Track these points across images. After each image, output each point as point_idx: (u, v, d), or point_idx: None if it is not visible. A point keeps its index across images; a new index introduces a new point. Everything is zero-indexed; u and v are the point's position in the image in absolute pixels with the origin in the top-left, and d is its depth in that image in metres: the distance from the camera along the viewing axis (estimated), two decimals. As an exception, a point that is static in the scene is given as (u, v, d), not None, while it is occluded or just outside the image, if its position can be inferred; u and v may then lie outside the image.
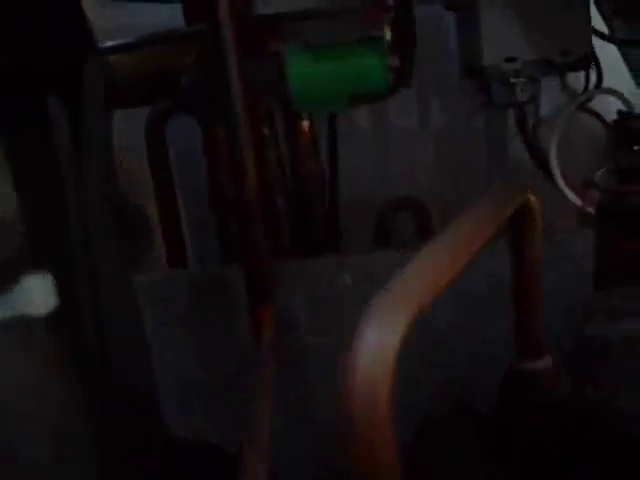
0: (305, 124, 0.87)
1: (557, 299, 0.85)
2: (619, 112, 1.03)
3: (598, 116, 1.04)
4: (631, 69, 1.07)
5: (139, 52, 0.84)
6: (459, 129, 1.14)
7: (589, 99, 1.02)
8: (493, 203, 0.53)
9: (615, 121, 1.02)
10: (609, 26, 1.06)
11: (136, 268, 1.00)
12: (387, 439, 0.32)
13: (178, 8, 0.99)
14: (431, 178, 1.14)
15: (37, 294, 0.41)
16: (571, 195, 0.93)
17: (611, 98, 1.02)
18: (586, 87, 1.04)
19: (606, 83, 1.05)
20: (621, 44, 1.03)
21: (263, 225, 0.75)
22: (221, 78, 0.70)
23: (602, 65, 1.04)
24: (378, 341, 0.34)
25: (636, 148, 1.00)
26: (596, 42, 1.03)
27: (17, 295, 0.41)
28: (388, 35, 0.78)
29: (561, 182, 0.93)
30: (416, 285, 0.38)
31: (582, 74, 1.04)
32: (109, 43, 0.85)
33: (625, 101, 1.01)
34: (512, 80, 0.95)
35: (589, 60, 0.96)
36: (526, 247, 0.59)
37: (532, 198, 0.57)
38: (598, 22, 1.04)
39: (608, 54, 1.06)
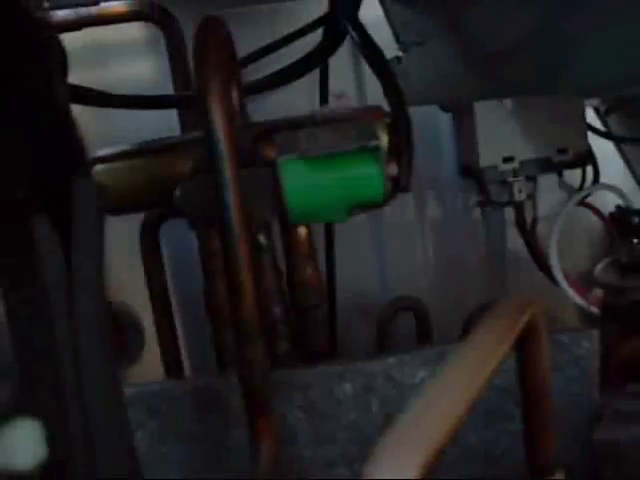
0: (302, 232, 0.86)
1: (563, 405, 0.86)
2: (617, 207, 1.03)
3: (597, 211, 1.04)
4: (629, 165, 1.08)
5: (134, 160, 0.84)
6: (456, 227, 1.15)
7: (587, 195, 1.02)
8: (502, 323, 0.52)
9: (612, 214, 1.03)
10: (604, 123, 1.07)
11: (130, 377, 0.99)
12: None
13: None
14: (429, 277, 1.14)
15: (24, 444, 0.39)
16: (575, 296, 0.92)
17: (609, 193, 1.03)
18: (582, 183, 1.05)
19: (602, 178, 1.06)
20: (617, 140, 1.04)
21: (261, 341, 0.73)
22: (217, 188, 0.69)
23: (599, 160, 1.06)
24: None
25: (635, 242, 1.01)
26: (591, 137, 1.04)
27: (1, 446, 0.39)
28: (385, 142, 0.77)
29: (563, 282, 0.92)
30: (428, 426, 0.36)
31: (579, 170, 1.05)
32: (104, 150, 0.85)
33: (623, 196, 1.01)
34: (509, 180, 0.96)
35: (586, 157, 0.97)
36: (534, 364, 0.57)
37: (538, 312, 0.54)
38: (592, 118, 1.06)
39: (604, 149, 1.08)
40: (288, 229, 0.86)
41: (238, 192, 0.70)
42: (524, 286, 1.08)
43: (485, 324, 0.51)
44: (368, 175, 0.75)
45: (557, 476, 0.64)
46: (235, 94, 0.84)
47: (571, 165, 0.97)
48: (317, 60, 0.96)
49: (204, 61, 0.70)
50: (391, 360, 0.85)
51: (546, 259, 0.96)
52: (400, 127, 0.80)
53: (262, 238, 0.85)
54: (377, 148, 0.74)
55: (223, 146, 0.69)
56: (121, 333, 1.06)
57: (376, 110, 0.82)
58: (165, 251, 0.97)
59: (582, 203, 1.04)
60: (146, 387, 0.86)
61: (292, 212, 0.77)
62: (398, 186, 0.80)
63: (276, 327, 0.87)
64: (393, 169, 0.76)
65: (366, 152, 0.74)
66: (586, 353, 0.88)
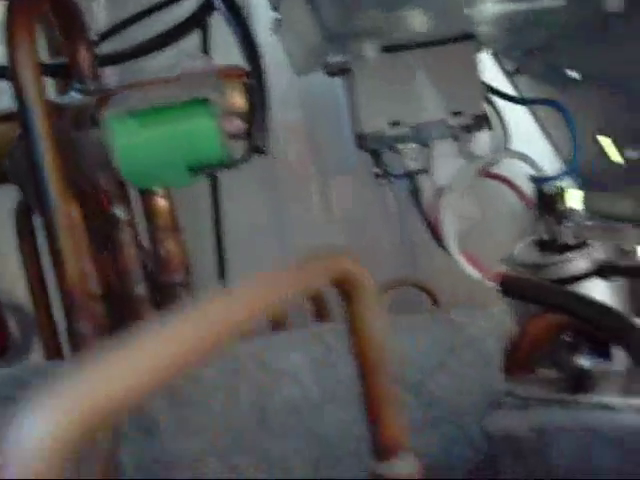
0: (161, 203, 0.82)
1: (462, 389, 0.82)
2: (531, 177, 0.99)
3: (507, 182, 1.00)
4: (544, 131, 1.04)
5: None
6: (367, 203, 1.13)
7: (493, 163, 0.98)
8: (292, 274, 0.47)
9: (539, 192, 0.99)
10: (514, 85, 1.03)
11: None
12: None
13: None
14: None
15: None
16: (468, 268, 0.87)
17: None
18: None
19: (518, 147, 1.02)
20: (525, 103, 1.00)
21: (89, 312, 0.70)
22: (33, 161, 0.68)
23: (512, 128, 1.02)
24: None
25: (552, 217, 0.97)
26: (505, 103, 1.01)
27: None
28: (228, 96, 0.74)
29: (458, 257, 0.88)
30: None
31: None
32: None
33: (532, 164, 0.96)
34: (400, 147, 0.91)
35: (484, 121, 0.92)
36: (364, 333, 0.53)
37: (355, 271, 0.50)
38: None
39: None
40: (146, 200, 0.82)
41: (52, 150, 0.68)
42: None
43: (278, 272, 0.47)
44: (200, 128, 0.71)
45: (405, 459, 0.60)
46: (87, 59, 0.83)
47: (469, 129, 0.92)
48: (190, 26, 0.94)
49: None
50: (258, 342, 0.82)
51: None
52: (255, 89, 0.77)
53: (118, 211, 0.82)
54: (208, 101, 0.70)
55: (31, 103, 0.68)
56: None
57: (231, 69, 0.79)
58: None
59: (491, 175, 1.00)
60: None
61: (126, 173, 0.73)
62: (251, 146, 0.76)
63: (140, 307, 0.83)
64: (233, 125, 0.72)
65: (197, 105, 0.71)
66: (482, 333, 0.85)
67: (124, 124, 0.72)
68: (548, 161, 1.02)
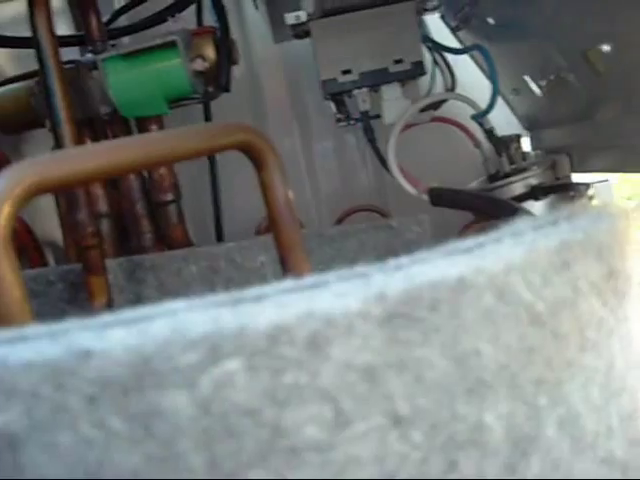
0: (154, 130, 1.07)
1: None
2: (472, 117, 1.20)
3: (454, 123, 1.22)
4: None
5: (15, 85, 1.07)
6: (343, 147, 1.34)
7: (437, 106, 1.20)
8: (203, 130, 0.68)
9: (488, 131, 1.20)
10: (457, 38, 1.25)
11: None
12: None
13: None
14: (312, 196, 1.34)
15: None
16: (407, 186, 1.09)
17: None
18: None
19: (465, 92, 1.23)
20: (457, 52, 1.21)
21: (86, 208, 0.93)
22: (46, 90, 0.91)
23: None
24: None
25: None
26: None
27: None
28: (196, 43, 0.99)
29: (398, 174, 1.10)
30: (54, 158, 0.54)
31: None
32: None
33: (474, 105, 1.18)
34: (354, 92, 1.14)
35: (422, 68, 1.14)
36: (269, 185, 0.69)
37: (258, 139, 0.67)
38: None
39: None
40: (141, 129, 1.07)
41: (61, 87, 0.91)
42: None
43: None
44: (169, 65, 0.96)
45: None
46: (96, 26, 1.07)
47: (410, 75, 1.14)
48: (187, 2, 1.17)
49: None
50: (232, 245, 1.03)
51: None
52: (221, 41, 1.01)
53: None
54: (176, 44, 0.94)
55: (47, 49, 0.91)
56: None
57: (204, 28, 1.04)
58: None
59: (442, 119, 1.22)
60: (25, 273, 1.06)
61: (118, 104, 0.98)
62: (214, 84, 1.00)
63: (140, 222, 1.07)
64: (199, 64, 0.96)
65: (168, 48, 0.95)
66: (417, 237, 1.04)
67: (115, 65, 0.96)
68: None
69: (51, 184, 0.47)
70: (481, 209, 0.95)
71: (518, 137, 1.27)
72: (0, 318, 0.44)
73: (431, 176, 1.16)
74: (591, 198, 0.98)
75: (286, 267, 0.69)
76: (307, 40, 1.16)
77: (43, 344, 0.31)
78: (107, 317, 0.32)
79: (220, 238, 1.25)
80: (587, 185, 1.04)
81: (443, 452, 0.36)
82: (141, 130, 1.06)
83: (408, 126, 1.16)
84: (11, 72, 1.16)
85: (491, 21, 1.09)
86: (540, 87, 1.11)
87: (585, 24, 0.74)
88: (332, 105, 1.20)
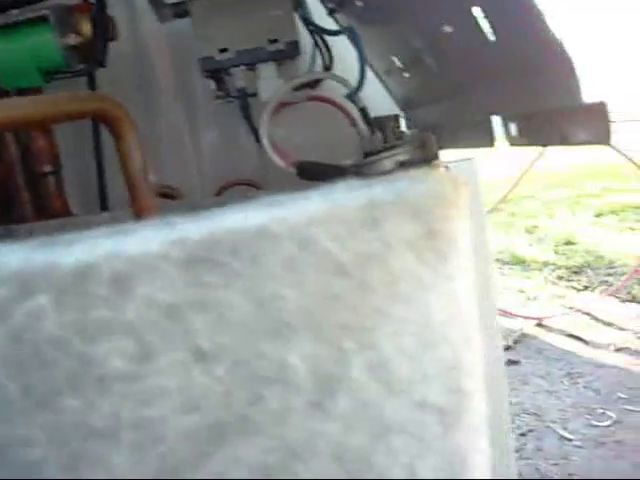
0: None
1: None
2: (345, 96, 1.25)
3: (329, 101, 1.26)
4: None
5: None
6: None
7: (312, 85, 1.24)
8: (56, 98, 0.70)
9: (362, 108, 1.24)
10: (335, 20, 1.29)
11: None
12: None
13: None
14: (196, 171, 1.38)
15: None
16: (277, 159, 1.12)
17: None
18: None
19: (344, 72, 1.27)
20: (329, 33, 1.25)
21: None
22: None
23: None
24: None
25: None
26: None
27: None
28: (70, 19, 1.00)
29: (269, 148, 1.13)
30: None
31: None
32: None
33: (348, 85, 1.22)
34: (232, 71, 1.17)
35: (296, 48, 1.18)
36: (125, 152, 0.71)
37: (113, 108, 0.70)
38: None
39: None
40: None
41: None
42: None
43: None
44: (41, 39, 0.97)
45: None
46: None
47: (285, 55, 1.18)
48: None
49: None
50: (108, 214, 1.05)
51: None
52: (97, 18, 1.03)
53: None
54: (48, 17, 0.96)
55: None
56: None
57: (81, 5, 1.05)
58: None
59: (319, 98, 1.26)
60: None
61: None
62: (93, 60, 1.02)
63: (20, 193, 1.08)
64: (72, 39, 0.98)
65: (41, 22, 0.96)
66: None
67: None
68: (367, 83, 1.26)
69: None
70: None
71: (397, 117, 1.32)
72: None
73: (313, 154, 1.20)
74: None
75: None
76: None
77: None
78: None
79: (105, 208, 1.27)
80: (445, 164, 1.09)
81: (247, 386, 0.39)
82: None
83: (285, 104, 1.20)
84: None
85: (359, 3, 1.13)
86: (405, 68, 1.16)
87: (431, 6, 0.79)
88: (211, 82, 1.22)
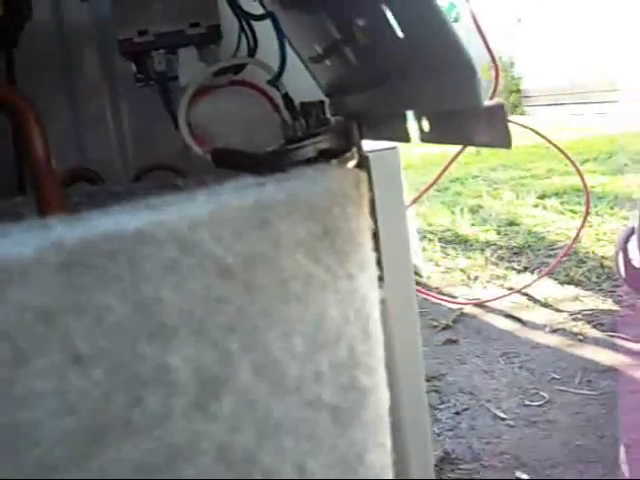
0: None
1: None
2: (267, 81, 1.25)
3: (254, 86, 1.26)
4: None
5: None
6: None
7: (235, 70, 1.23)
8: None
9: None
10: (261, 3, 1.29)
11: None
12: None
13: None
14: (119, 156, 1.37)
15: None
16: (195, 147, 1.13)
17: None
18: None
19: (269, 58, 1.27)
20: (251, 18, 1.25)
21: None
22: None
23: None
24: None
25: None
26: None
27: None
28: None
29: (188, 138, 1.13)
30: None
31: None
32: None
33: (270, 71, 1.22)
34: (152, 54, 1.16)
35: (218, 32, 1.17)
36: (28, 144, 0.69)
37: (16, 98, 0.68)
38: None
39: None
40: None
41: None
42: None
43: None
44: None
45: None
46: None
47: (206, 39, 1.17)
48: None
49: None
50: (19, 199, 1.03)
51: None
52: None
53: None
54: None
55: None
56: None
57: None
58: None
59: (240, 82, 1.26)
60: None
61: None
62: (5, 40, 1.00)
63: None
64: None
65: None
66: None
67: None
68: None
69: None
70: (258, 171, 0.99)
71: (322, 103, 1.33)
72: None
73: (235, 140, 1.20)
74: (360, 165, 1.04)
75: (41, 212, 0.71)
76: None
77: None
78: None
79: (23, 191, 1.25)
80: (365, 152, 1.10)
81: (126, 389, 0.40)
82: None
83: (207, 89, 1.19)
84: None
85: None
86: (326, 56, 1.17)
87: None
88: (132, 65, 1.21)
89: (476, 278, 3.29)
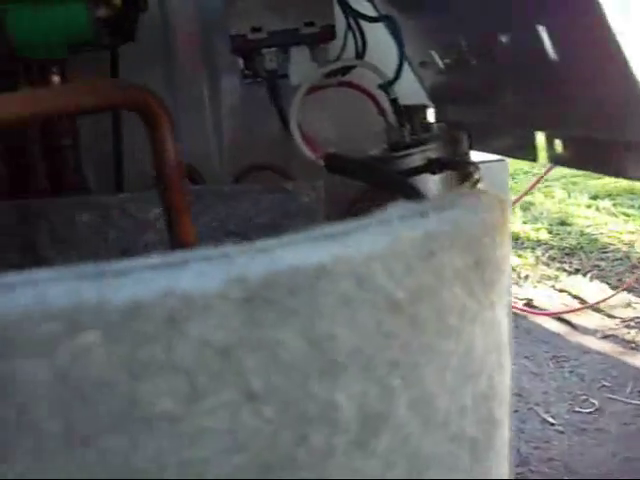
0: (55, 78, 1.06)
1: None
2: (379, 85, 1.23)
3: (361, 89, 1.24)
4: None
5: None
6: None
7: (345, 72, 1.21)
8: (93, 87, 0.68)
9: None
10: (372, 3, 1.27)
11: None
12: None
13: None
14: (216, 150, 1.36)
15: None
16: (305, 150, 1.11)
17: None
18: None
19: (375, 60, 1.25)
20: (369, 19, 1.23)
21: None
22: None
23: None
24: None
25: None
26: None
27: None
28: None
29: (297, 137, 1.11)
30: None
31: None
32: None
33: (380, 74, 1.20)
34: (263, 51, 1.15)
35: (332, 32, 1.15)
36: (157, 150, 0.69)
37: (151, 100, 0.67)
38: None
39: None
40: (40, 71, 1.05)
41: None
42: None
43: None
44: (73, 12, 0.95)
45: None
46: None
47: (320, 39, 1.15)
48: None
49: None
50: (125, 195, 1.04)
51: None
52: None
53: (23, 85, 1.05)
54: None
55: None
56: None
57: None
58: None
59: (347, 84, 1.24)
60: None
61: (19, 46, 0.96)
62: (122, 34, 1.00)
63: (35, 166, 1.07)
64: (103, 11, 0.96)
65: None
66: (311, 202, 1.06)
67: (22, 10, 0.95)
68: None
69: None
70: (375, 182, 0.97)
71: (424, 107, 1.30)
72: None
73: (333, 140, 1.18)
74: (478, 180, 1.02)
75: (172, 229, 0.71)
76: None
77: None
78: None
79: (120, 188, 1.25)
80: (477, 166, 1.07)
81: (294, 427, 0.38)
82: (41, 72, 1.05)
83: (314, 89, 1.18)
84: None
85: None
86: (445, 64, 1.14)
87: (489, 12, 0.77)
88: (240, 61, 1.20)
89: (526, 277, 3.23)
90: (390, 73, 1.18)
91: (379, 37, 1.27)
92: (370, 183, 1.01)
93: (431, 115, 1.38)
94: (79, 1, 0.95)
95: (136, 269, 0.34)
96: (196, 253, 0.36)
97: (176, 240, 0.71)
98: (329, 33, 1.13)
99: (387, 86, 1.17)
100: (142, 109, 0.64)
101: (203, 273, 0.35)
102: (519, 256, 3.49)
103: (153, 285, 0.33)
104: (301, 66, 1.14)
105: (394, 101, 1.19)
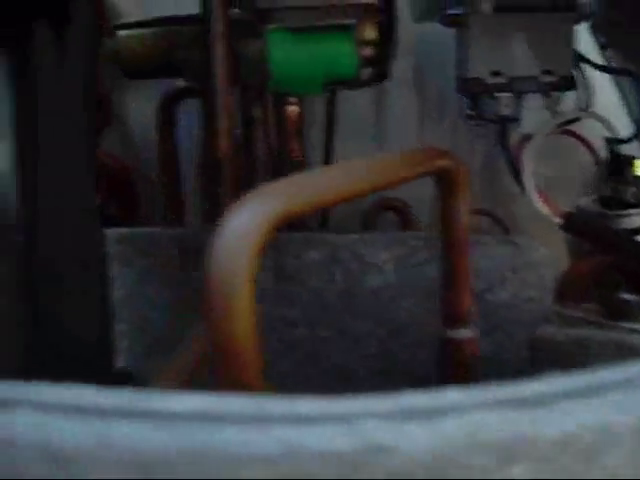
0: (292, 109, 1.08)
1: (517, 305, 1.00)
2: (606, 139, 1.20)
3: (583, 140, 1.21)
4: (625, 98, 1.24)
5: (148, 30, 1.08)
6: (451, 139, 1.35)
7: (573, 121, 1.19)
8: (408, 157, 0.67)
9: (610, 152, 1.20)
10: (604, 55, 1.24)
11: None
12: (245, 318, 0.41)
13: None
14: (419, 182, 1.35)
15: None
16: (541, 205, 1.09)
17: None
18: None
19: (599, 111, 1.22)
20: (608, 71, 1.20)
21: (230, 183, 0.94)
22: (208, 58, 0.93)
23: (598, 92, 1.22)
24: (240, 228, 0.42)
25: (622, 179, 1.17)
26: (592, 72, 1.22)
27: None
28: (366, 28, 0.98)
29: (532, 191, 1.10)
30: (293, 187, 0.50)
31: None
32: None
33: (609, 127, 1.17)
34: (496, 94, 1.14)
35: (571, 82, 1.13)
36: (451, 214, 0.70)
37: (455, 166, 0.67)
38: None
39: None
40: (279, 106, 1.08)
41: (224, 48, 0.92)
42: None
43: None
44: (342, 50, 0.96)
45: (471, 328, 0.77)
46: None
47: (556, 88, 1.12)
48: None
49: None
50: (354, 237, 1.03)
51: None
52: (385, 21, 1.01)
53: (255, 111, 1.08)
54: (352, 27, 0.94)
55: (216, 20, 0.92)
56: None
57: (369, 5, 1.02)
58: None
59: (569, 132, 1.22)
60: (136, 231, 1.07)
61: (276, 80, 0.98)
62: (376, 71, 1.00)
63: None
64: (367, 51, 0.96)
65: (342, 30, 0.95)
66: (542, 259, 1.02)
67: (282, 38, 0.97)
68: (624, 126, 1.21)
69: (292, 214, 0.46)
70: (624, 255, 0.94)
71: (632, 159, 1.25)
72: (234, 378, 0.41)
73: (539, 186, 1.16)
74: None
75: (446, 292, 0.70)
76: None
77: (332, 431, 0.31)
78: (395, 402, 0.33)
79: (325, 222, 1.26)
80: None
81: None
82: (276, 105, 1.07)
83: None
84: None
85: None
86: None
87: None
88: (467, 102, 1.19)
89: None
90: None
91: (602, 88, 1.24)
92: (617, 255, 0.98)
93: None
94: (347, 40, 0.95)
95: (555, 398, 0.34)
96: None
97: (453, 310, 0.71)
98: (567, 83, 1.11)
99: (615, 143, 1.14)
100: (443, 175, 0.65)
101: (620, 404, 0.34)
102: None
103: (576, 417, 0.33)
104: (534, 114, 1.13)
105: (617, 157, 1.16)
